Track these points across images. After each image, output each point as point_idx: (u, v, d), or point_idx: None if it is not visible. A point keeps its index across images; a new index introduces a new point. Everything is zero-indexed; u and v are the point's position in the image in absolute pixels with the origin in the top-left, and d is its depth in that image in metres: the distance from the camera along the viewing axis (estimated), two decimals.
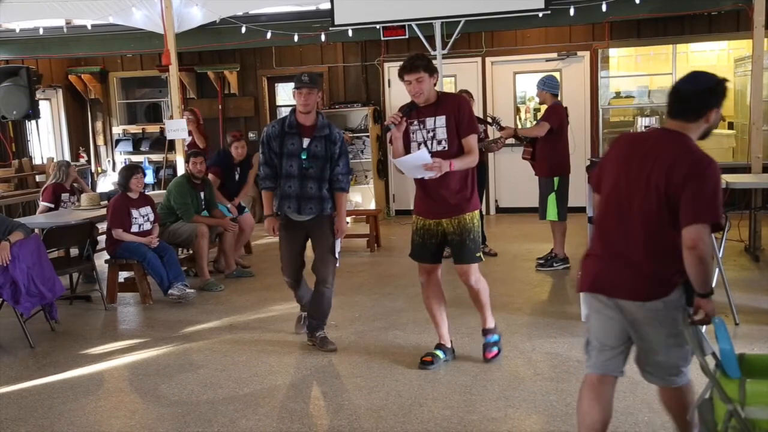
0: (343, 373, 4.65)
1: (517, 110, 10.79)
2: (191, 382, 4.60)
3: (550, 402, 4.06)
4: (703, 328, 2.88)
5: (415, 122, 4.41)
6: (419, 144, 4.39)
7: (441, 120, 4.36)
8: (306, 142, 4.88)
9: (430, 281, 4.63)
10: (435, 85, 4.42)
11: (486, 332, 4.79)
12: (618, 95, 10.74)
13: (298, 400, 4.25)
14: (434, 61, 8.46)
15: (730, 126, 10.79)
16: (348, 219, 10.03)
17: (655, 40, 10.11)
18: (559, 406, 3.99)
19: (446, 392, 4.23)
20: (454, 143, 4.36)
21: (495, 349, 4.75)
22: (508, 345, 4.98)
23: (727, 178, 6.95)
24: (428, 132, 4.39)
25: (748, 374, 2.74)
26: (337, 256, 5.07)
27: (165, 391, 4.49)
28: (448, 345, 4.75)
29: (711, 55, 11.36)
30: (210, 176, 7.53)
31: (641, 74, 11.00)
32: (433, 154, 4.27)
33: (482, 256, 4.58)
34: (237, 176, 7.90)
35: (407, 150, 4.41)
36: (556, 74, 9.61)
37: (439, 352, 4.67)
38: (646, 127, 8.90)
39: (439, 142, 4.37)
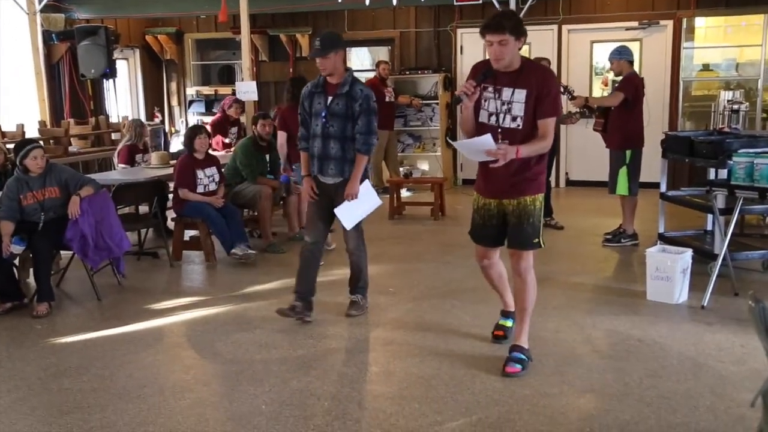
0: (396, 341, 4.62)
1: (602, 81, 10.42)
2: (247, 341, 4.65)
3: (606, 381, 3.94)
4: None
5: (490, 89, 3.87)
6: (490, 115, 3.89)
7: (521, 94, 3.81)
8: (329, 100, 4.77)
9: (490, 265, 4.31)
10: (520, 49, 3.85)
11: (515, 349, 4.09)
12: (706, 68, 10.21)
13: (350, 365, 4.25)
14: None
15: None
16: (411, 189, 9.99)
17: (746, 10, 9.58)
18: (616, 385, 3.86)
19: (500, 365, 4.12)
20: (529, 122, 3.82)
21: (518, 366, 4.01)
22: (567, 320, 4.87)
23: None
24: (503, 104, 3.85)
25: None
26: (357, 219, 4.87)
27: (221, 348, 4.55)
28: (513, 310, 4.44)
29: None
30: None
31: (727, 46, 10.45)
32: (504, 131, 3.84)
33: (542, 243, 4.03)
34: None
35: (477, 119, 3.96)
36: (633, 44, 9.19)
37: (507, 321, 4.46)
38: (729, 101, 8.47)
39: (514, 119, 3.84)
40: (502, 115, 3.87)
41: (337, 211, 4.82)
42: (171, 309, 5.40)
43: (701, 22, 10.21)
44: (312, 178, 4.90)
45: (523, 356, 4.07)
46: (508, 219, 4.04)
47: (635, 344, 4.41)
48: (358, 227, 4.95)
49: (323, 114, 4.75)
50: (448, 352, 4.34)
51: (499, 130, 3.86)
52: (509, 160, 3.75)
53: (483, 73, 3.85)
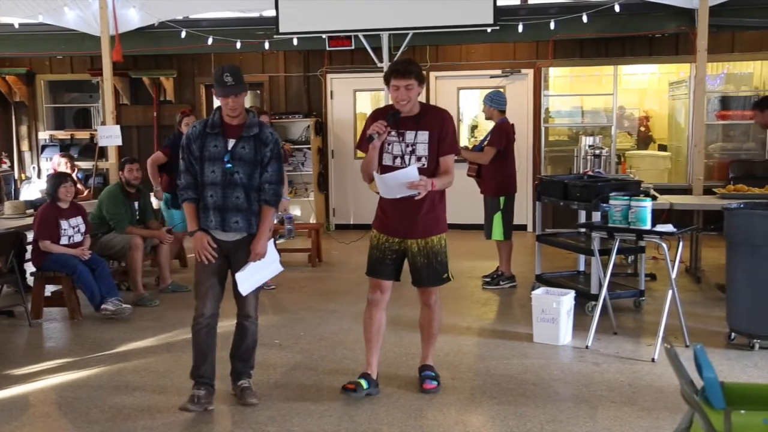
0: (291, 396, 4.39)
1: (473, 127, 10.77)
2: (126, 405, 4.27)
3: (509, 427, 3.91)
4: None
5: (393, 133, 4.11)
6: (395, 158, 4.12)
7: (424, 135, 4.10)
8: (231, 143, 4.10)
9: (381, 301, 4.31)
10: (419, 95, 4.15)
11: (426, 368, 4.48)
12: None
13: (244, 425, 3.98)
14: (379, 74, 8.44)
15: (663, 148, 10.97)
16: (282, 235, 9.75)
17: (598, 60, 10.22)
18: (519, 430, 3.84)
19: (401, 417, 4.03)
20: (433, 161, 4.11)
21: (434, 382, 4.39)
22: (461, 366, 4.84)
23: (670, 199, 7.03)
24: (407, 146, 4.11)
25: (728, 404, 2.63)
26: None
27: (97, 416, 4.15)
28: (374, 377, 4.35)
29: (643, 78, 11.65)
30: (159, 154, 7.28)
31: (582, 94, 11.12)
32: None
33: (450, 276, 4.35)
34: None
35: (379, 163, 4.10)
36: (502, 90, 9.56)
37: (363, 381, 4.27)
38: (590, 146, 8.93)
39: (419, 159, 4.10)
40: (407, 157, 4.11)
41: (238, 275, 4.11)
42: (35, 374, 4.90)
43: (552, 72, 10.77)
44: (205, 233, 4.17)
45: (435, 373, 4.45)
46: (414, 258, 4.23)
47: (531, 388, 4.43)
48: (257, 290, 4.31)
49: (226, 159, 4.08)
50: (346, 407, 4.17)
51: None
52: (420, 203, 4.05)
53: (392, 114, 4.06)
